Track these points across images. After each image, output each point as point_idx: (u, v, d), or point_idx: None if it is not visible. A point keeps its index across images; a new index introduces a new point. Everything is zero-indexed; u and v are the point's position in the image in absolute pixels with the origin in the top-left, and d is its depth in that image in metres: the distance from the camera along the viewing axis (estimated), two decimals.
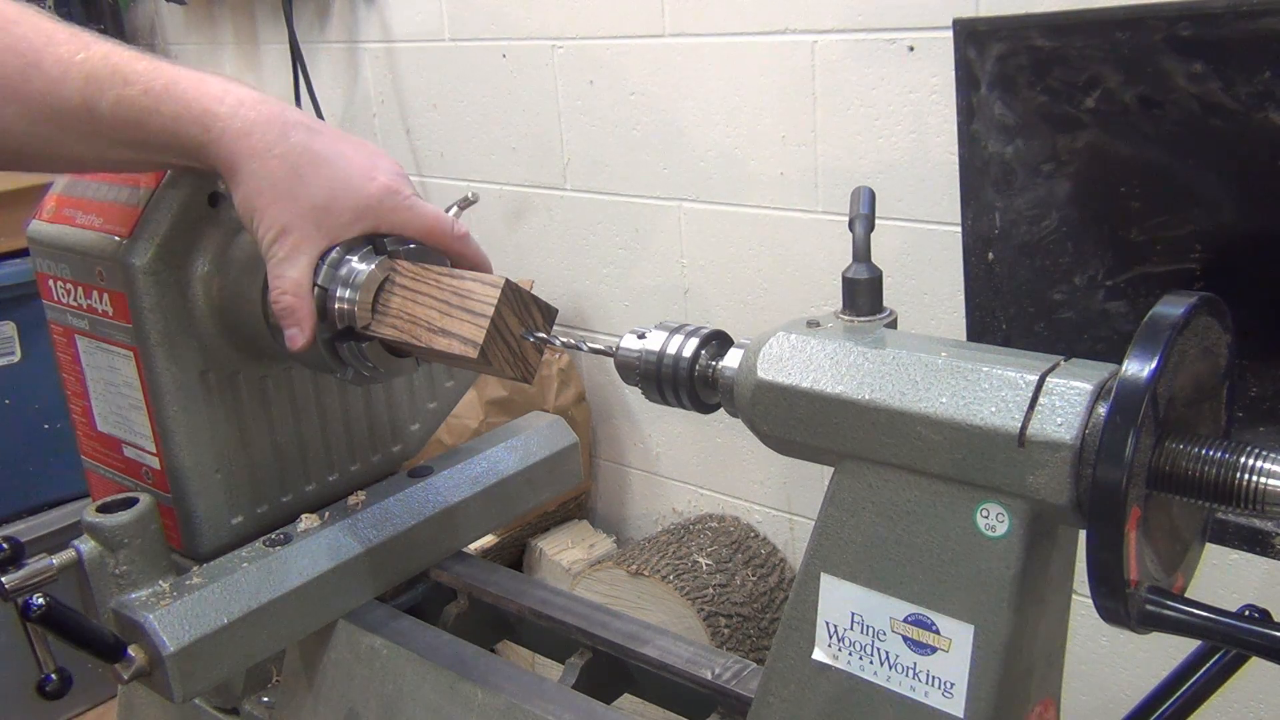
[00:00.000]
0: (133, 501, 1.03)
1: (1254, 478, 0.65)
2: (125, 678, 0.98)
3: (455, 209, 1.56)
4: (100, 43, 0.91)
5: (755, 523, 2.34)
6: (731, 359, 0.84)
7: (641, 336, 0.89)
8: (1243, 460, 0.65)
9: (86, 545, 1.01)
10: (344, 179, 0.94)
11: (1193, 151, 0.82)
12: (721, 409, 0.87)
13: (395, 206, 0.97)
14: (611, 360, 0.91)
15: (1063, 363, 0.70)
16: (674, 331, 0.87)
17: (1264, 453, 0.65)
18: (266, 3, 2.89)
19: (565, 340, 0.95)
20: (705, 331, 0.87)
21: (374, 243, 1.00)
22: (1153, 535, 0.68)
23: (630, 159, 2.27)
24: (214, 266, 1.05)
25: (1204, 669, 0.93)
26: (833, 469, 0.78)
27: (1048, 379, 0.68)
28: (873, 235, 0.82)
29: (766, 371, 0.78)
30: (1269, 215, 0.81)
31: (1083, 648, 1.89)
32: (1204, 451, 0.66)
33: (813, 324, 0.80)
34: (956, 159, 0.93)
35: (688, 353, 0.86)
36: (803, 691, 0.81)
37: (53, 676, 0.98)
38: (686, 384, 0.86)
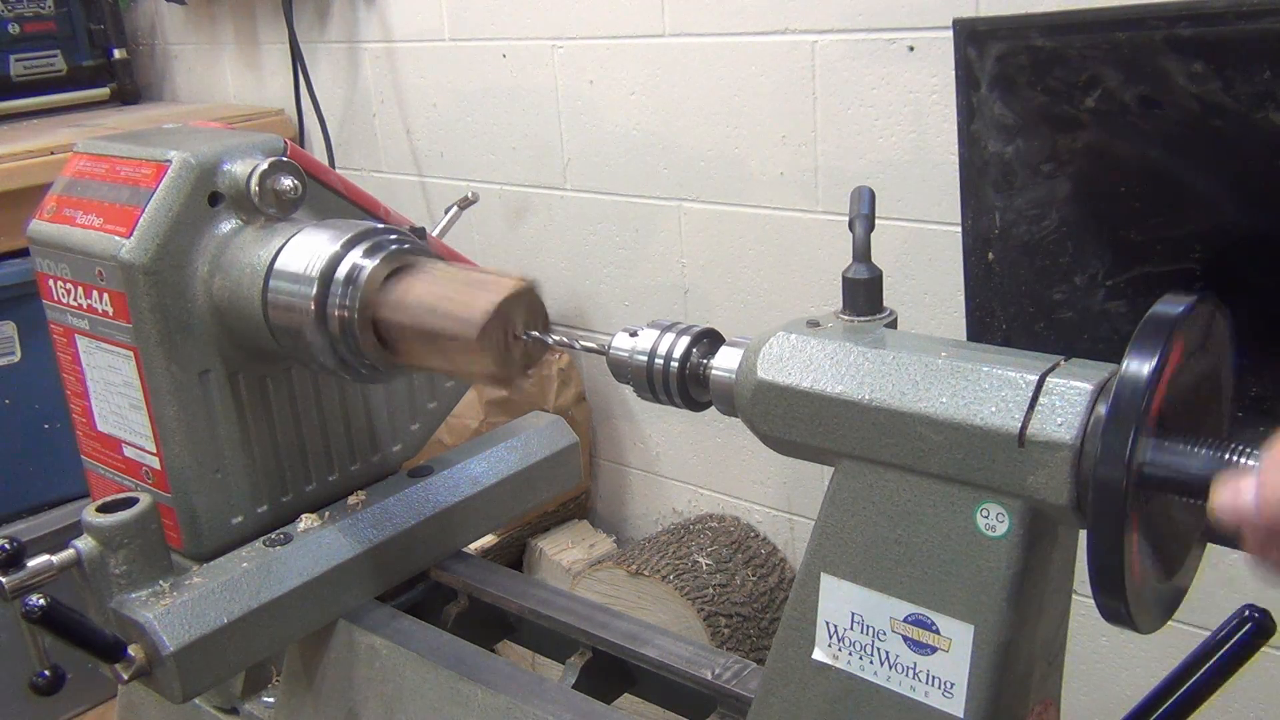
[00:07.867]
0: (133, 501, 1.03)
1: None
2: (125, 677, 0.98)
3: (455, 209, 1.56)
4: None
5: (755, 523, 2.34)
6: (722, 357, 0.84)
7: (634, 335, 0.89)
8: (1242, 460, 0.65)
9: (86, 545, 1.01)
10: None
11: (1193, 151, 0.82)
12: (713, 407, 0.87)
13: None
14: None
15: (1063, 363, 0.70)
16: (665, 330, 0.87)
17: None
18: (266, 3, 2.89)
19: (558, 338, 0.95)
20: (696, 330, 0.87)
21: (373, 240, 1.00)
22: (1153, 535, 0.68)
23: (630, 159, 2.27)
24: (214, 266, 1.05)
25: (1204, 669, 0.93)
26: (833, 469, 0.78)
27: (1048, 379, 0.68)
28: (873, 235, 0.82)
29: (767, 371, 0.78)
30: (1269, 215, 0.81)
31: (1083, 648, 1.89)
32: (1204, 451, 0.66)
33: (813, 324, 0.80)
34: (956, 159, 0.93)
35: (678, 351, 0.86)
36: (803, 691, 0.81)
37: (46, 674, 0.98)
38: (677, 382, 0.86)
